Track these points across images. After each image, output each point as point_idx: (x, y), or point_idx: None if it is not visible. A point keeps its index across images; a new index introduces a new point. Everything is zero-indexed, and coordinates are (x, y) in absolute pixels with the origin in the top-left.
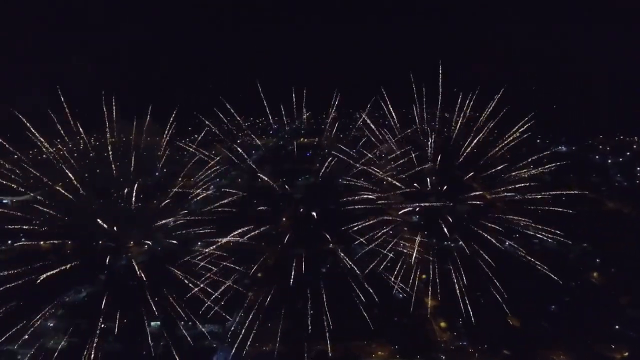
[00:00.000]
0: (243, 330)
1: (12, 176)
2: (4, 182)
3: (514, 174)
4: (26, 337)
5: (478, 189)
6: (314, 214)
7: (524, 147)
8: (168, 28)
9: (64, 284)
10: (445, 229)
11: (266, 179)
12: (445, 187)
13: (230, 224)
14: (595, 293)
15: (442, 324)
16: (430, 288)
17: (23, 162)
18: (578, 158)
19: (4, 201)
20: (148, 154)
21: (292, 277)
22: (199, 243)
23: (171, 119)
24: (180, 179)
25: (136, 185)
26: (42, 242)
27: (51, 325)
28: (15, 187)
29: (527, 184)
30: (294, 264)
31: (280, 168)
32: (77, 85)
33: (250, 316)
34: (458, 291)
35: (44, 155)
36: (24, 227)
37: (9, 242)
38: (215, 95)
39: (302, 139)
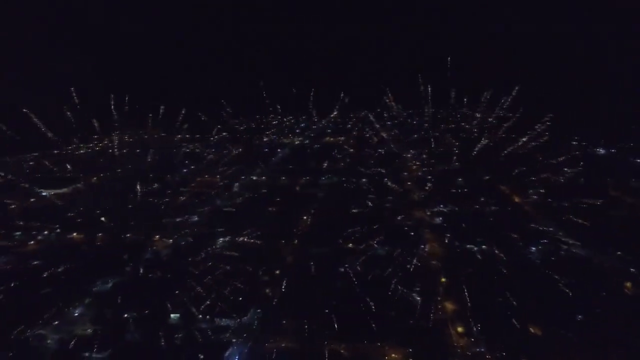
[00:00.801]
0: (258, 326)
1: (53, 170)
2: (44, 177)
3: (544, 176)
4: (56, 322)
5: (506, 191)
6: (335, 213)
7: (557, 148)
8: (194, 26)
9: (93, 273)
10: (468, 232)
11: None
12: (471, 188)
13: (251, 221)
14: (627, 304)
15: (460, 329)
16: (449, 292)
17: (61, 159)
18: (616, 160)
19: (43, 194)
20: (176, 150)
21: (309, 275)
22: (220, 239)
23: (197, 116)
24: (206, 176)
25: (162, 181)
26: (75, 234)
27: (79, 312)
28: (54, 181)
29: (559, 187)
30: (311, 263)
31: (304, 167)
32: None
33: (266, 313)
34: (478, 296)
35: (81, 151)
36: (60, 218)
37: (45, 232)
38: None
39: (328, 138)
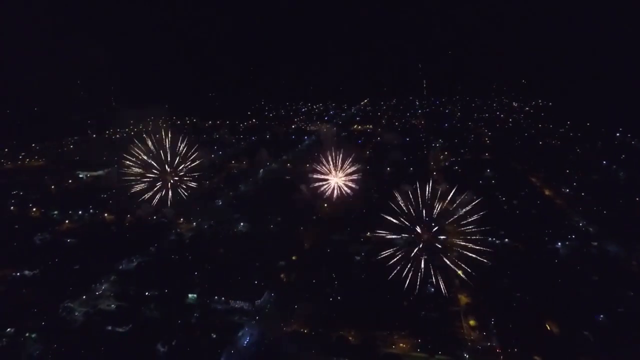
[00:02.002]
0: (270, 310)
1: (91, 154)
2: (82, 160)
3: (580, 169)
4: (84, 297)
5: (537, 183)
6: (357, 201)
7: (598, 141)
8: (232, 20)
9: (120, 252)
10: (491, 224)
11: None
12: (499, 179)
13: (273, 207)
14: None
15: (472, 322)
16: (465, 285)
17: (98, 143)
18: None
19: (80, 176)
20: (206, 136)
21: (325, 262)
22: (241, 223)
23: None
24: (232, 162)
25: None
26: (106, 214)
27: (104, 288)
28: (90, 164)
29: (595, 181)
30: (328, 250)
31: (329, 154)
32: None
33: (279, 297)
34: (495, 290)
35: (117, 136)
36: (94, 199)
37: (80, 212)
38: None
39: (355, 126)
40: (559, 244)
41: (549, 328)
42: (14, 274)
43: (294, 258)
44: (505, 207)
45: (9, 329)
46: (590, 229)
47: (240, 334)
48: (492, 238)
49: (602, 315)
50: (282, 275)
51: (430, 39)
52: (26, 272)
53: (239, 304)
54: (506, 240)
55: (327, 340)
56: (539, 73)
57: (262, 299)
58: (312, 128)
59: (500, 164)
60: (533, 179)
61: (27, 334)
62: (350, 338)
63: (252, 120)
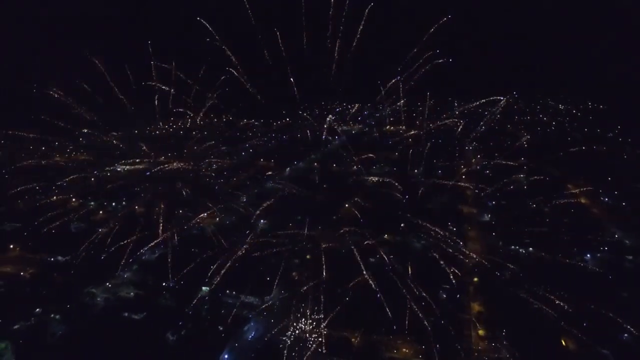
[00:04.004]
0: (279, 307)
1: (130, 148)
2: (122, 153)
3: (622, 177)
4: (107, 284)
5: (574, 190)
6: (379, 202)
7: None
8: (278, 17)
9: (144, 243)
10: (517, 232)
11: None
12: (532, 185)
13: (295, 205)
14: None
15: (481, 332)
16: (479, 293)
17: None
18: None
19: (118, 169)
20: (240, 134)
21: (339, 262)
22: (262, 221)
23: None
24: (261, 160)
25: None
26: (137, 207)
27: (126, 276)
28: (128, 158)
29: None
30: (343, 250)
31: (358, 154)
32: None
33: (289, 295)
34: (511, 301)
35: (157, 132)
36: (128, 192)
37: (113, 204)
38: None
39: (387, 127)
40: (589, 255)
41: (564, 344)
42: (48, 258)
43: (308, 257)
44: (535, 215)
45: (38, 309)
46: (627, 242)
47: (245, 328)
48: (515, 246)
49: (626, 335)
50: (294, 274)
51: (473, 38)
52: (59, 258)
53: (248, 299)
54: (530, 249)
55: (329, 340)
56: (593, 73)
57: (271, 296)
58: (344, 128)
59: (536, 169)
60: (569, 186)
61: (51, 315)
62: (353, 339)
63: (286, 119)
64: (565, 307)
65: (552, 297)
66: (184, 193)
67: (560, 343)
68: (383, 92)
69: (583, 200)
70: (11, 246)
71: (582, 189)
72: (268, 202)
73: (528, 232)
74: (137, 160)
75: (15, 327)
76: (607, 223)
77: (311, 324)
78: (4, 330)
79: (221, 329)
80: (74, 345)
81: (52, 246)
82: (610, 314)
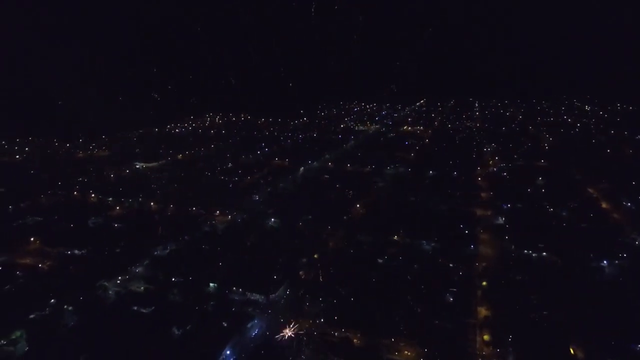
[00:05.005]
0: (283, 305)
1: (149, 146)
2: (141, 152)
3: None
4: (119, 278)
5: (596, 195)
6: (389, 203)
7: None
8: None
9: (157, 239)
10: (531, 236)
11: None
12: (550, 188)
13: (306, 204)
14: None
15: (485, 337)
16: (487, 297)
17: (154, 136)
18: None
19: (137, 166)
20: (258, 133)
21: (346, 262)
22: (272, 219)
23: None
24: (276, 159)
25: (237, 161)
26: (152, 203)
27: (138, 271)
28: (147, 156)
29: None
30: (351, 251)
31: (372, 154)
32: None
33: (294, 293)
34: (520, 306)
35: (176, 130)
36: (145, 189)
37: (130, 200)
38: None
39: (405, 127)
40: (606, 262)
41: (572, 352)
42: (65, 252)
43: (315, 256)
44: (551, 219)
45: (52, 300)
46: None
47: (249, 325)
48: (528, 250)
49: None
50: (300, 272)
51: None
52: (76, 251)
53: (254, 296)
54: (544, 253)
55: (330, 340)
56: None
57: (276, 294)
58: (361, 128)
59: (556, 172)
60: (591, 190)
61: (65, 306)
62: (355, 340)
63: (303, 119)
64: (576, 314)
65: (563, 303)
66: (199, 190)
67: (568, 352)
68: (396, 90)
69: (604, 205)
70: (32, 239)
71: (603, 193)
72: (279, 201)
73: (542, 236)
74: (155, 158)
75: (31, 316)
76: (628, 228)
77: (314, 323)
78: (20, 319)
79: (225, 325)
80: (83, 336)
81: (70, 240)
82: (624, 323)
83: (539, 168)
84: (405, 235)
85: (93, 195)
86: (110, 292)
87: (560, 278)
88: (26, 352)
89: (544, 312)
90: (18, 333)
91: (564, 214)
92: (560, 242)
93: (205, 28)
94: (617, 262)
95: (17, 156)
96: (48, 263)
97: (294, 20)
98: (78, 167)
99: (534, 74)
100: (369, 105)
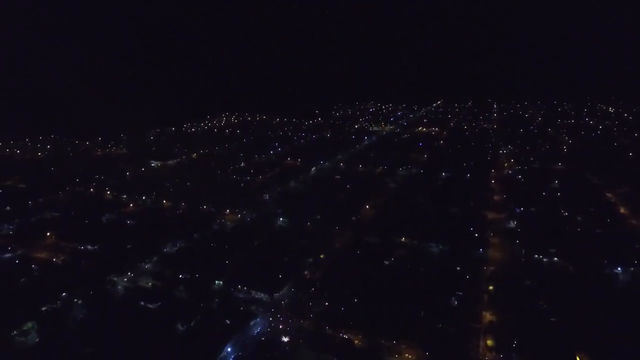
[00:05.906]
0: (286, 304)
1: (166, 145)
2: (158, 150)
3: None
4: (129, 274)
5: (614, 200)
6: (399, 205)
7: None
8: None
9: (167, 236)
10: (542, 241)
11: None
12: (566, 192)
13: (316, 205)
14: None
15: (489, 342)
16: (494, 302)
17: (172, 135)
18: None
19: (152, 164)
20: (271, 132)
21: (352, 263)
22: (280, 219)
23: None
24: (288, 159)
25: (250, 161)
26: (164, 201)
27: (146, 267)
28: (163, 154)
29: None
30: (358, 251)
31: (385, 155)
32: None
33: (298, 293)
34: (526, 311)
35: (192, 130)
36: (158, 187)
37: (143, 197)
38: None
39: (420, 128)
40: (620, 269)
41: (578, 359)
42: (79, 247)
43: (322, 257)
44: (565, 224)
45: (64, 294)
46: None
47: (252, 323)
48: (539, 255)
49: None
50: (305, 272)
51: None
52: (88, 247)
53: (258, 295)
54: (555, 259)
55: (333, 342)
56: None
57: (280, 293)
58: (375, 128)
59: (573, 176)
60: (609, 195)
61: (75, 300)
62: (356, 341)
63: (317, 119)
64: (584, 321)
65: (572, 310)
66: (210, 190)
67: (574, 357)
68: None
69: (622, 210)
70: (48, 234)
71: (622, 198)
72: (289, 201)
73: (555, 241)
74: (170, 157)
75: (43, 308)
76: None
77: (316, 323)
78: (33, 311)
79: (228, 322)
80: (91, 329)
81: (84, 235)
82: (633, 333)
83: (555, 171)
84: (413, 237)
85: (109, 192)
86: (119, 287)
87: (570, 284)
88: (36, 343)
89: (552, 319)
90: (30, 324)
91: (579, 218)
92: (574, 247)
93: (225, 30)
94: (632, 269)
95: (40, 153)
96: (62, 257)
97: (314, 22)
98: (95, 164)
99: (557, 76)
100: (385, 106)
